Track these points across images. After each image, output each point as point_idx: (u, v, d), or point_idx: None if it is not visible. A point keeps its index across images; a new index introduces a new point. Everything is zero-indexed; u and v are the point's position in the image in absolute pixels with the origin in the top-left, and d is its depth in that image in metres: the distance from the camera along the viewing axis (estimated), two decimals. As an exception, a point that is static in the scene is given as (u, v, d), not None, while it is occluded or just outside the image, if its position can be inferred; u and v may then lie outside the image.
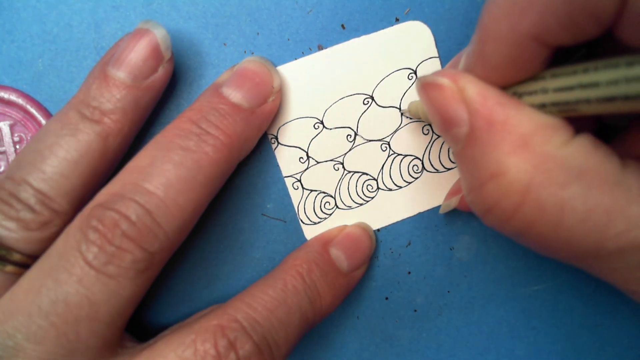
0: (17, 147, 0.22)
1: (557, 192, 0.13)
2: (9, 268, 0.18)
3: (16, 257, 0.18)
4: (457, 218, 0.23)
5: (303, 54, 0.22)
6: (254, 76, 0.20)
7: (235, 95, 0.19)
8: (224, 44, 0.22)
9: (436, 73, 0.16)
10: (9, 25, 0.22)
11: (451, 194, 0.22)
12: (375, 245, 0.23)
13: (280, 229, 0.23)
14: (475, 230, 0.24)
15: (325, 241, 0.22)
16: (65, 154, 0.18)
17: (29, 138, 0.22)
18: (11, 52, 0.22)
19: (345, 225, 0.23)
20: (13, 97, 0.22)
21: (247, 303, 0.19)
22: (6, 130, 0.22)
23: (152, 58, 0.19)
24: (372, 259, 0.23)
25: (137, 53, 0.19)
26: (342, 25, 0.22)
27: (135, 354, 0.18)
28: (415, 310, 0.24)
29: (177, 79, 0.22)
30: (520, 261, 0.24)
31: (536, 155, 0.14)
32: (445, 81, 0.15)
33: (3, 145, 0.22)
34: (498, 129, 0.14)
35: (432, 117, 0.16)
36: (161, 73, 0.19)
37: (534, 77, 0.15)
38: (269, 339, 0.19)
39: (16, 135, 0.22)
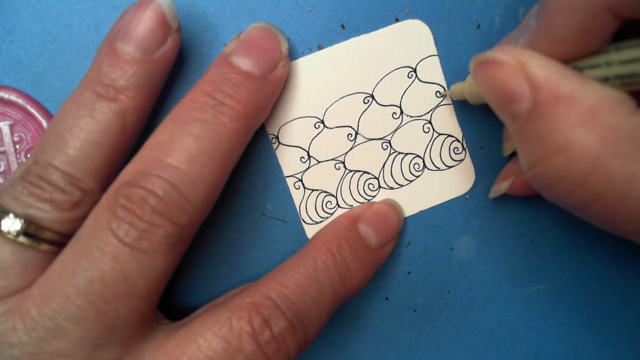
0: (17, 147, 0.22)
1: (626, 163, 0.14)
2: (44, 246, 0.18)
3: (49, 235, 0.18)
4: (457, 218, 0.23)
5: (303, 54, 0.22)
6: (262, 43, 0.20)
7: (245, 63, 0.19)
8: (224, 44, 0.22)
9: (494, 50, 0.16)
10: (9, 25, 0.22)
11: (502, 178, 0.22)
12: (403, 222, 0.23)
13: (281, 229, 0.23)
14: (475, 230, 0.24)
15: (354, 218, 0.22)
16: (86, 136, 0.18)
17: (29, 138, 0.22)
18: (11, 52, 0.22)
19: (373, 202, 0.23)
20: (13, 97, 0.22)
21: (279, 281, 0.19)
22: (6, 130, 0.22)
23: (159, 29, 0.19)
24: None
25: (144, 25, 0.18)
26: (342, 25, 0.22)
27: (171, 332, 0.18)
28: (415, 310, 0.24)
29: (177, 79, 0.22)
30: (520, 261, 0.24)
31: (604, 127, 0.14)
32: (506, 57, 0.15)
33: (3, 145, 0.22)
34: (564, 102, 0.14)
35: (490, 95, 0.16)
36: (170, 44, 0.19)
37: (597, 51, 0.15)
38: (302, 316, 0.19)
39: (16, 135, 0.22)
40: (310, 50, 0.22)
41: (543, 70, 0.15)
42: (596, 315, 0.24)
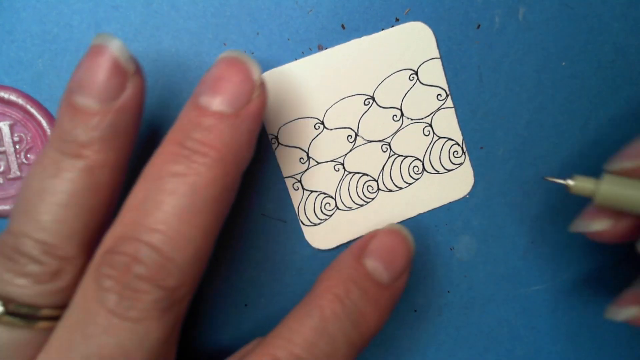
0: (17, 147, 0.22)
1: None
2: (41, 324, 0.17)
3: (44, 312, 0.17)
4: (457, 218, 0.23)
5: (303, 54, 0.22)
6: (230, 75, 0.18)
7: (213, 102, 0.17)
8: (224, 44, 0.22)
9: None
10: (9, 25, 0.22)
11: (628, 301, 0.19)
12: (413, 248, 0.21)
13: (280, 229, 0.23)
14: (475, 230, 0.24)
15: (357, 253, 0.20)
16: (54, 199, 0.17)
17: (29, 138, 0.22)
18: (11, 52, 0.22)
19: (377, 230, 0.21)
20: (13, 97, 0.22)
21: (287, 338, 0.18)
22: (6, 130, 0.22)
23: (114, 75, 0.17)
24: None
25: (97, 74, 0.17)
26: (342, 25, 0.22)
27: None
28: (415, 310, 0.24)
29: (177, 79, 0.22)
30: (520, 261, 0.24)
31: None
32: None
33: (3, 146, 0.22)
34: None
35: None
36: (131, 90, 0.17)
37: None
38: None
39: (16, 135, 0.22)
40: (310, 51, 0.22)
41: None
42: (596, 315, 0.24)
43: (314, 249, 0.23)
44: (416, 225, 0.24)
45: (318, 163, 0.23)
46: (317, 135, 0.22)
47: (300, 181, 0.23)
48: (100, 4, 0.22)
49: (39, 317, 0.17)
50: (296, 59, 0.22)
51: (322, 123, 0.22)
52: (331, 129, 0.22)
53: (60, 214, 0.17)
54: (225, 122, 0.17)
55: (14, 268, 0.17)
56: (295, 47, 0.22)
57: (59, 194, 0.17)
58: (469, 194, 0.23)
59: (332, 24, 0.22)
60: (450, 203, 0.23)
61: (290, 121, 0.22)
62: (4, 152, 0.22)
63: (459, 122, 0.23)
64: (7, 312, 0.17)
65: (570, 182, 0.18)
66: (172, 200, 0.16)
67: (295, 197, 0.23)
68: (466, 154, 0.23)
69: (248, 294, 0.23)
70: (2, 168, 0.22)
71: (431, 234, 0.24)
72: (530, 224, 0.24)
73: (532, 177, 0.23)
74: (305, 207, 0.23)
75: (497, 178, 0.23)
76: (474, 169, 0.23)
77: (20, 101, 0.22)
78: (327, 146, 0.23)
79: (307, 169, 0.23)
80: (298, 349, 0.18)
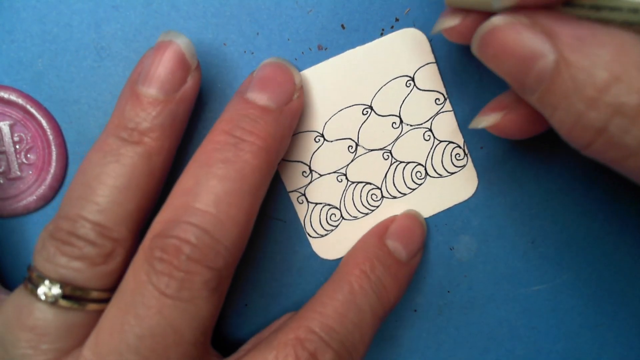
0: (17, 147, 0.22)
1: None
2: (91, 306, 0.18)
3: (94, 294, 0.18)
4: (457, 218, 0.23)
5: (303, 54, 0.22)
6: (275, 77, 0.20)
7: (261, 98, 0.19)
8: (224, 44, 0.22)
9: (497, 17, 0.15)
10: (9, 25, 0.22)
11: (490, 109, 0.20)
12: (426, 230, 0.23)
13: (281, 229, 0.23)
14: (475, 230, 0.24)
15: (380, 234, 0.22)
16: (114, 182, 0.18)
17: (29, 138, 0.22)
18: (11, 52, 0.22)
19: (395, 215, 0.23)
20: (13, 97, 0.22)
21: (319, 312, 0.19)
22: (6, 130, 0.22)
23: (179, 69, 0.19)
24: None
25: (164, 66, 0.19)
26: (342, 25, 0.22)
27: None
28: (415, 310, 0.24)
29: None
30: (520, 261, 0.24)
31: (638, 56, 0.14)
32: (516, 18, 0.15)
33: (3, 146, 0.22)
34: (588, 41, 0.14)
35: (507, 64, 0.15)
36: (191, 83, 0.19)
37: None
38: (347, 344, 0.19)
39: (16, 135, 0.22)
40: (310, 51, 0.22)
41: (552, 17, 0.14)
42: (596, 315, 0.24)
43: (313, 249, 0.23)
44: (416, 225, 0.24)
45: (321, 175, 0.23)
46: (318, 148, 0.22)
47: (304, 194, 0.23)
48: (100, 4, 0.22)
49: (89, 299, 0.18)
50: (296, 59, 0.22)
51: (322, 135, 0.22)
52: (331, 141, 0.22)
53: (118, 196, 0.18)
54: (271, 116, 0.19)
55: (71, 251, 0.18)
56: (295, 47, 0.22)
57: (119, 177, 0.18)
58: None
59: (332, 24, 0.22)
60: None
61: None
62: (4, 152, 0.22)
63: (459, 124, 0.23)
64: (64, 296, 0.18)
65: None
66: (222, 185, 0.18)
67: (301, 210, 0.23)
68: (468, 156, 0.23)
69: (248, 294, 0.24)
70: (2, 168, 0.22)
71: (431, 234, 0.24)
72: (530, 224, 0.24)
73: (532, 177, 0.23)
74: (311, 219, 0.23)
75: (497, 178, 0.23)
76: (476, 170, 0.23)
77: (20, 101, 0.22)
78: (329, 158, 0.23)
79: (311, 181, 0.23)
80: (330, 320, 0.19)
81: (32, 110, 0.22)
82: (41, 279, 0.18)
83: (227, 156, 0.18)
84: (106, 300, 0.18)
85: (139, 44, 0.22)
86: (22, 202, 0.22)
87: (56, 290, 0.18)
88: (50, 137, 0.22)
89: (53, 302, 0.18)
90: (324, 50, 0.22)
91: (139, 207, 0.19)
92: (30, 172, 0.22)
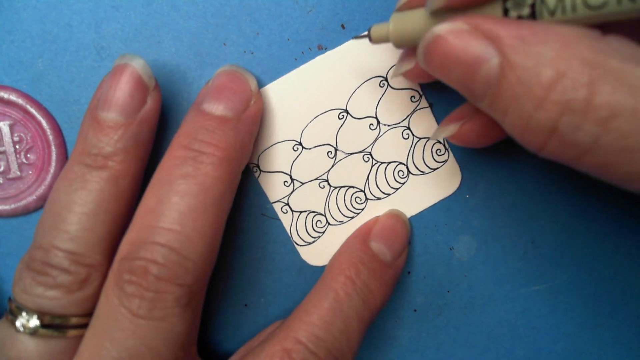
0: (17, 147, 0.22)
1: (625, 78, 0.13)
2: (72, 332, 0.19)
3: (73, 320, 0.19)
4: (457, 218, 0.23)
5: (303, 54, 0.22)
6: (230, 85, 0.20)
7: (217, 108, 0.19)
8: (224, 44, 0.22)
9: (439, 27, 0.15)
10: (9, 25, 0.22)
11: (451, 120, 0.20)
12: (410, 229, 0.23)
13: (280, 229, 0.23)
14: (475, 230, 0.24)
15: (363, 237, 0.22)
16: (82, 209, 0.18)
17: (29, 138, 0.22)
18: (11, 52, 0.22)
19: (378, 217, 0.23)
20: (13, 97, 0.22)
21: (305, 321, 0.19)
22: (6, 130, 0.22)
23: (137, 90, 0.19)
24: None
25: (121, 90, 0.19)
26: (342, 25, 0.22)
27: None
28: (415, 310, 0.24)
29: (177, 79, 0.22)
30: (520, 261, 0.24)
31: (586, 49, 0.13)
32: (457, 25, 0.15)
33: (3, 145, 0.22)
34: (531, 40, 0.14)
35: (453, 71, 0.15)
36: (150, 103, 0.19)
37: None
38: (334, 351, 0.19)
39: (16, 135, 0.22)
40: (310, 51, 0.22)
41: (492, 21, 0.14)
42: (596, 315, 0.24)
43: (314, 249, 0.23)
44: (416, 225, 0.24)
45: (303, 183, 0.23)
46: (297, 157, 0.22)
47: (288, 204, 0.23)
48: (100, 4, 0.22)
49: (69, 326, 0.18)
50: (296, 59, 0.22)
51: (300, 144, 0.22)
52: (310, 148, 0.22)
53: (88, 222, 0.18)
54: (228, 125, 0.19)
55: (45, 281, 0.18)
56: (295, 47, 0.22)
57: (87, 203, 0.18)
58: (468, 193, 0.23)
59: (332, 24, 0.22)
60: (450, 203, 0.23)
61: (269, 147, 0.22)
62: (4, 152, 0.22)
63: (437, 119, 0.23)
64: (43, 325, 0.18)
65: (369, 32, 0.18)
66: (185, 201, 0.18)
67: (286, 220, 0.23)
68: (449, 150, 0.23)
69: (248, 294, 0.24)
70: (2, 168, 0.22)
71: (431, 234, 0.24)
72: (530, 224, 0.24)
73: (532, 177, 0.23)
74: (297, 228, 0.23)
75: (497, 178, 0.23)
76: (459, 164, 0.23)
77: (20, 101, 0.22)
78: (309, 165, 0.23)
79: (293, 191, 0.23)
80: (316, 329, 0.19)
81: (32, 110, 0.22)
82: (19, 310, 0.18)
83: (187, 171, 0.18)
84: (87, 325, 0.19)
85: (139, 44, 0.22)
86: (22, 202, 0.22)
87: (34, 322, 0.18)
88: (50, 137, 0.22)
89: (32, 333, 0.18)
90: (324, 50, 0.22)
91: (110, 231, 0.19)
92: (30, 172, 0.22)
